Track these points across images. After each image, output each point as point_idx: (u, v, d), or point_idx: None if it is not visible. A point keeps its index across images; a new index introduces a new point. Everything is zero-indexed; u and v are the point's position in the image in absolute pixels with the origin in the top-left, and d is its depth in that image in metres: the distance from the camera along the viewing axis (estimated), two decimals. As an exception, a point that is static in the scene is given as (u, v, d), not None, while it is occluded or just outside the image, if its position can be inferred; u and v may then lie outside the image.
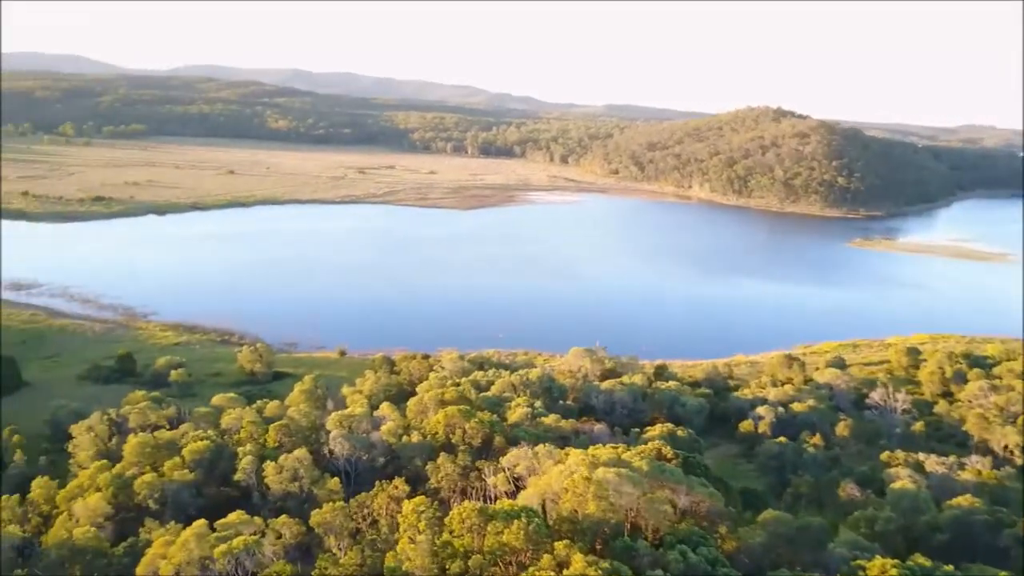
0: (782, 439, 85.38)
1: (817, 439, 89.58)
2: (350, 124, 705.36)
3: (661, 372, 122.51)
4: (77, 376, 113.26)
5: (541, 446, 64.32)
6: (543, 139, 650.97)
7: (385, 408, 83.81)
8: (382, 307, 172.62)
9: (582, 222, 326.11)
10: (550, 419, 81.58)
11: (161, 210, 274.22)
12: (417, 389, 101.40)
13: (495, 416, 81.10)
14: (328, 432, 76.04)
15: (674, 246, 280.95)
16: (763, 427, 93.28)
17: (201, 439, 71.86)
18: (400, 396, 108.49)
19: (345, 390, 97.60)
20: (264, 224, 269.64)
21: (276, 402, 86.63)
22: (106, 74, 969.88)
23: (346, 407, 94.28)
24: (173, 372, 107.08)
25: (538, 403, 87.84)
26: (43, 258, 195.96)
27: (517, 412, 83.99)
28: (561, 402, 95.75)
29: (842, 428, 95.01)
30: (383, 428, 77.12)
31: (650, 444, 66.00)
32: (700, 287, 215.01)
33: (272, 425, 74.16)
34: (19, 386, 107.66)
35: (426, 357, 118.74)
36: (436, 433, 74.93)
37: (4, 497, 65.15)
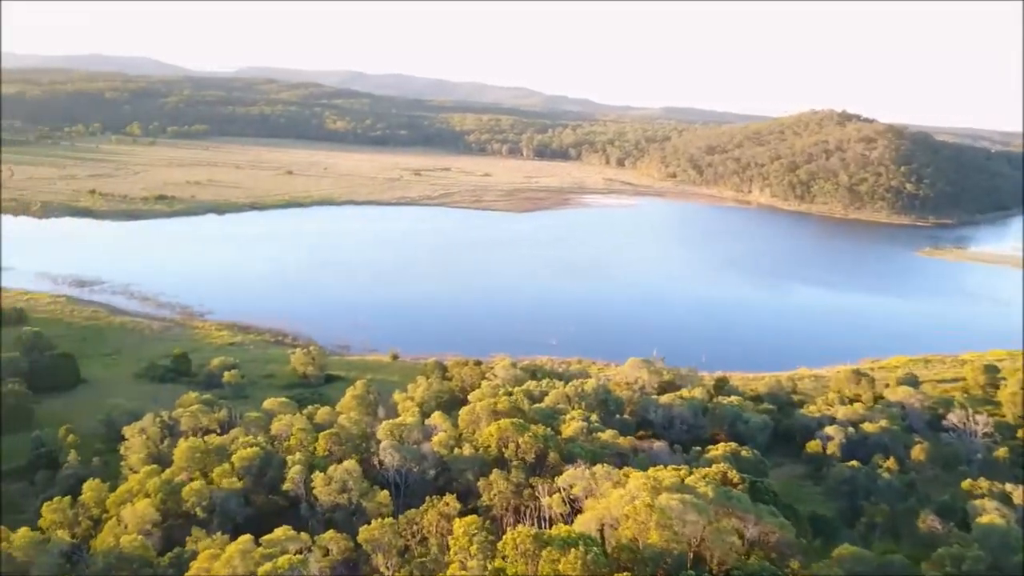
0: (855, 463, 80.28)
1: (891, 463, 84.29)
2: (406, 126, 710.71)
3: (721, 386, 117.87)
4: (134, 374, 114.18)
5: (599, 467, 61.21)
6: (599, 141, 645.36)
7: (437, 418, 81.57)
8: (435, 310, 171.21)
9: (639, 227, 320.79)
10: (607, 435, 78.26)
11: (220, 209, 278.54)
12: (469, 397, 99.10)
13: (549, 430, 78.23)
14: (379, 441, 74.22)
15: (735, 253, 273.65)
16: (832, 448, 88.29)
17: (251, 445, 70.66)
18: (452, 403, 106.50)
19: (397, 396, 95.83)
20: (320, 225, 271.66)
21: (327, 408, 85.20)
22: (172, 76, 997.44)
23: (397, 414, 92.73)
24: (226, 373, 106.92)
25: (594, 417, 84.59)
26: (106, 256, 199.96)
27: (572, 426, 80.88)
28: (618, 416, 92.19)
29: (918, 452, 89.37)
30: (434, 439, 74.90)
31: (715, 467, 62.26)
32: (762, 296, 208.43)
33: (322, 433, 72.60)
34: (77, 383, 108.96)
35: (478, 364, 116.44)
36: (489, 446, 72.42)
37: (56, 499, 64.84)
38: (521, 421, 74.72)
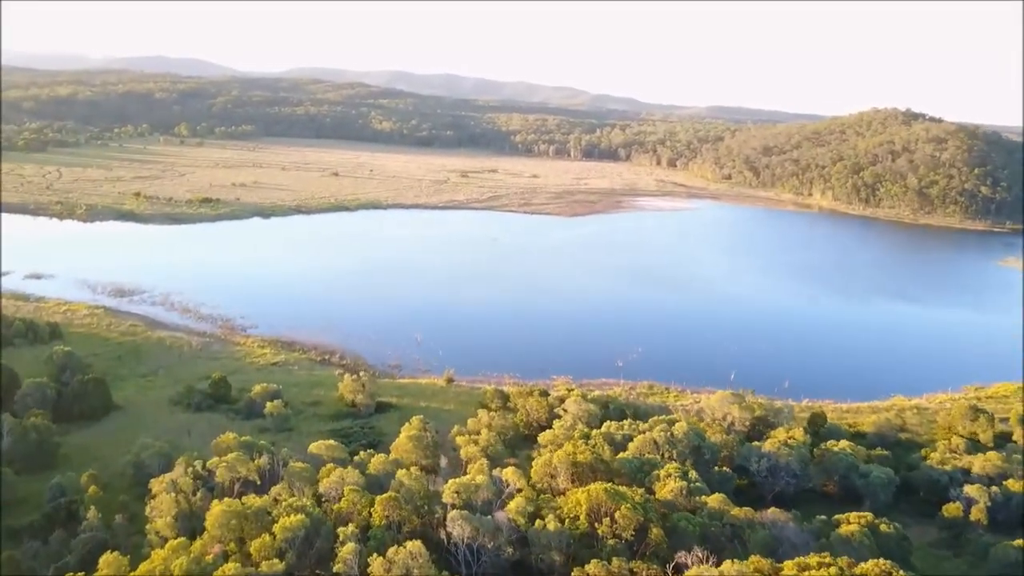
0: (1019, 542, 66.08)
1: (1051, 535, 70.02)
2: (452, 126, 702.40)
3: (819, 422, 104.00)
4: (170, 399, 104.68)
5: (729, 564, 48.60)
6: (649, 142, 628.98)
7: (509, 474, 69.76)
8: (489, 323, 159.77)
9: (697, 232, 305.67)
10: (713, 500, 65.62)
11: (265, 213, 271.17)
12: (540, 439, 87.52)
13: (645, 492, 66.04)
14: (444, 505, 62.90)
15: (803, 261, 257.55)
16: (976, 513, 74.30)
17: (295, 510, 59.68)
18: (518, 441, 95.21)
19: (459, 439, 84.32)
20: (367, 229, 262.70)
21: (381, 457, 73.92)
22: (220, 76, 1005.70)
23: (459, 459, 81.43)
24: (268, 404, 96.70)
25: (692, 473, 71.85)
26: (148, 262, 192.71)
27: (668, 486, 68.45)
28: (715, 468, 79.32)
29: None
30: (510, 506, 63.15)
31: (872, 565, 49.15)
32: (839, 310, 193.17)
33: (379, 499, 61.28)
34: (109, 410, 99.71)
35: (544, 394, 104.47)
36: (577, 517, 60.42)
37: None
38: (614, 487, 62.58)
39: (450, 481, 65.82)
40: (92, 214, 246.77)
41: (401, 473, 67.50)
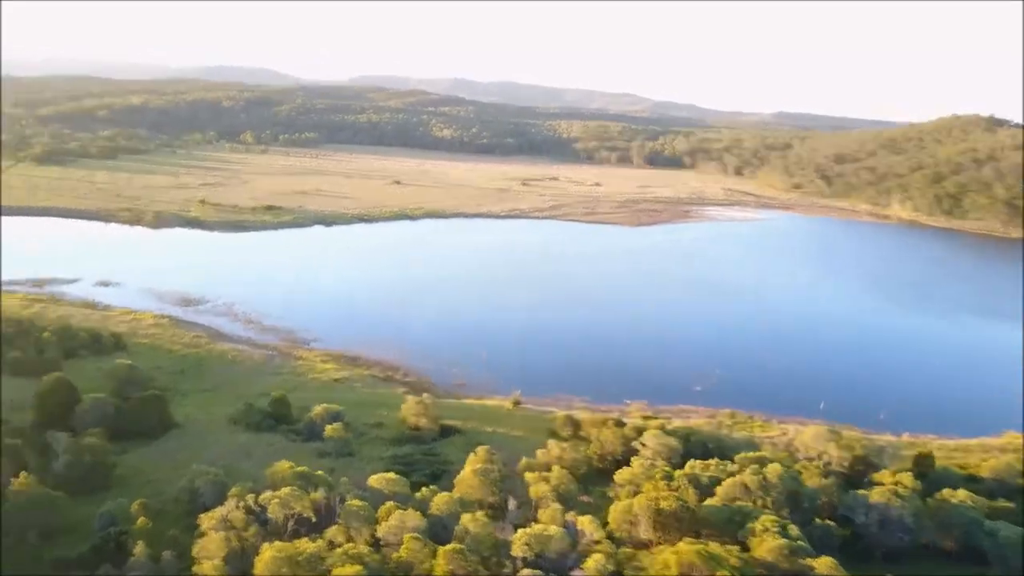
0: None
1: None
2: (513, 133, 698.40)
3: (926, 463, 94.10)
4: (229, 418, 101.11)
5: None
6: (714, 149, 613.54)
7: (586, 523, 63.14)
8: (557, 339, 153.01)
9: (770, 243, 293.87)
10: (822, 565, 57.70)
11: (328, 221, 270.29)
12: (617, 478, 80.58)
13: (741, 551, 58.64)
14: (513, 558, 56.71)
15: (885, 274, 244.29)
16: None
17: (351, 558, 54.26)
18: (591, 476, 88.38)
19: (528, 475, 77.84)
20: (431, 238, 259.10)
21: (444, 496, 67.96)
22: (286, 85, 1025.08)
23: (528, 497, 75.06)
24: (328, 427, 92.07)
25: (792, 528, 64.02)
26: (213, 270, 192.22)
27: (767, 543, 60.78)
28: (817, 520, 71.07)
29: None
30: (588, 563, 56.60)
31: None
32: (928, 328, 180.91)
33: (442, 550, 55.39)
34: (168, 428, 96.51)
35: (620, 424, 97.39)
36: (668, 581, 53.51)
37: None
38: (707, 549, 55.37)
39: (520, 532, 59.56)
40: (159, 221, 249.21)
41: (466, 518, 61.52)
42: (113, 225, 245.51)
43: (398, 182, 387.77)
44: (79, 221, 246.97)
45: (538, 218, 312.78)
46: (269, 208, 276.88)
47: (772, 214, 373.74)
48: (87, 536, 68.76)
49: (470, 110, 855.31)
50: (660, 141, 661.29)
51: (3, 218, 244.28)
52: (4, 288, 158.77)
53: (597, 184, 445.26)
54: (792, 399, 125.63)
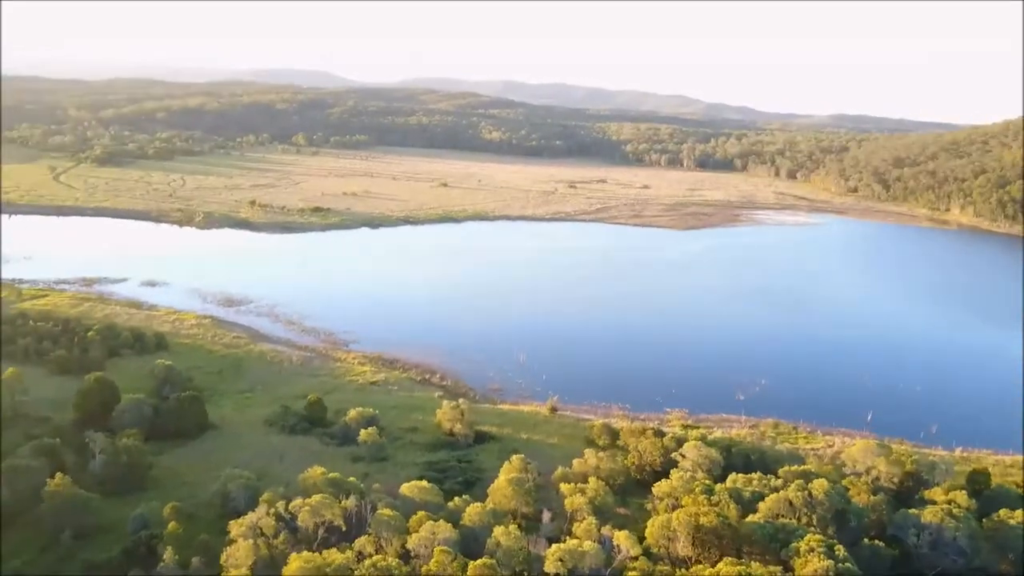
0: None
1: None
2: (562, 136, 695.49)
3: (981, 480, 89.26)
4: (265, 420, 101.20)
5: None
6: (767, 152, 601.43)
7: (622, 539, 60.75)
8: (595, 345, 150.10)
9: (823, 249, 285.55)
10: (871, 589, 54.46)
11: (374, 223, 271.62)
12: (655, 489, 77.94)
13: (784, 572, 55.61)
14: (546, 574, 54.63)
15: (943, 282, 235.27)
16: None
17: (379, 571, 52.88)
18: (629, 486, 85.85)
19: (564, 487, 75.65)
20: (474, 242, 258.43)
21: (476, 507, 66.22)
22: (339, 87, 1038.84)
23: (563, 509, 72.91)
24: (363, 432, 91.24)
25: (839, 549, 60.64)
26: (258, 272, 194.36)
27: (812, 564, 57.60)
28: (865, 540, 67.44)
29: None
30: (624, 581, 54.25)
31: None
32: (987, 340, 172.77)
33: (472, 565, 53.66)
34: (205, 429, 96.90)
35: (659, 434, 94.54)
36: (704, 604, 50.87)
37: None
38: (749, 570, 52.61)
39: (553, 547, 57.46)
40: (209, 222, 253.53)
41: (498, 531, 59.69)
42: (164, 225, 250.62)
43: (445, 184, 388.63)
44: (132, 221, 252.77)
45: (584, 221, 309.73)
46: (316, 210, 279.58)
47: (825, 218, 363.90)
48: (121, 538, 69.06)
49: (520, 112, 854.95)
50: (711, 144, 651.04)
51: (59, 218, 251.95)
52: (55, 287, 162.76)
53: (645, 187, 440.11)
54: (839, 410, 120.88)
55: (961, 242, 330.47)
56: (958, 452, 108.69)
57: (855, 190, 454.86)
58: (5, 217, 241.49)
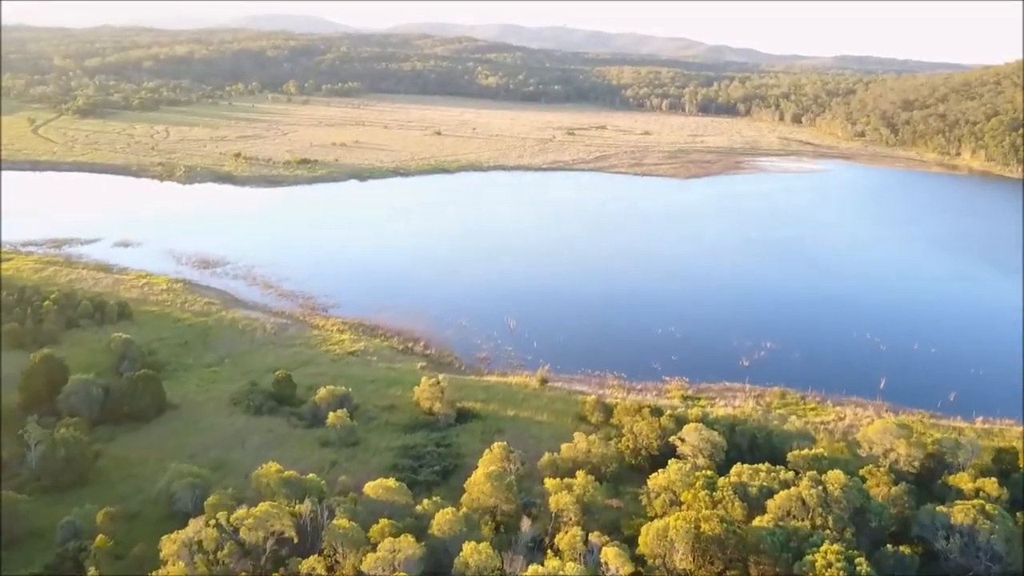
0: None
1: None
2: (560, 80, 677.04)
3: (1008, 460, 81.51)
4: (230, 398, 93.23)
5: None
6: (771, 95, 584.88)
7: (611, 556, 52.96)
8: (591, 307, 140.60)
9: (829, 196, 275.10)
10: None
11: (363, 175, 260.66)
12: (651, 482, 70.17)
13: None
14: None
15: (958, 231, 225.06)
16: None
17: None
18: (624, 474, 78.38)
19: (549, 483, 67.79)
20: (467, 194, 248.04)
21: (446, 513, 58.23)
22: (331, 33, 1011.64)
23: (548, 510, 65.22)
24: (331, 415, 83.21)
25: (862, 564, 52.96)
26: (238, 229, 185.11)
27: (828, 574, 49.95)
28: (889, 548, 59.67)
29: None
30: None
31: None
32: (1011, 294, 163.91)
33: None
34: (163, 410, 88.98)
35: (656, 412, 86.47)
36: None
37: None
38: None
39: (531, 570, 49.71)
40: (191, 176, 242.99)
41: (468, 549, 51.89)
42: (144, 180, 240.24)
43: (438, 133, 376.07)
44: (111, 176, 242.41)
45: (582, 170, 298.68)
46: (303, 162, 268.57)
47: (831, 164, 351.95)
48: (50, 547, 61.55)
49: (518, 57, 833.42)
50: (714, 87, 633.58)
51: (32, 174, 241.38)
52: (21, 251, 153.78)
53: (646, 133, 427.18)
54: (849, 375, 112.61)
55: (973, 187, 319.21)
56: (979, 423, 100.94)
57: (862, 134, 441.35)
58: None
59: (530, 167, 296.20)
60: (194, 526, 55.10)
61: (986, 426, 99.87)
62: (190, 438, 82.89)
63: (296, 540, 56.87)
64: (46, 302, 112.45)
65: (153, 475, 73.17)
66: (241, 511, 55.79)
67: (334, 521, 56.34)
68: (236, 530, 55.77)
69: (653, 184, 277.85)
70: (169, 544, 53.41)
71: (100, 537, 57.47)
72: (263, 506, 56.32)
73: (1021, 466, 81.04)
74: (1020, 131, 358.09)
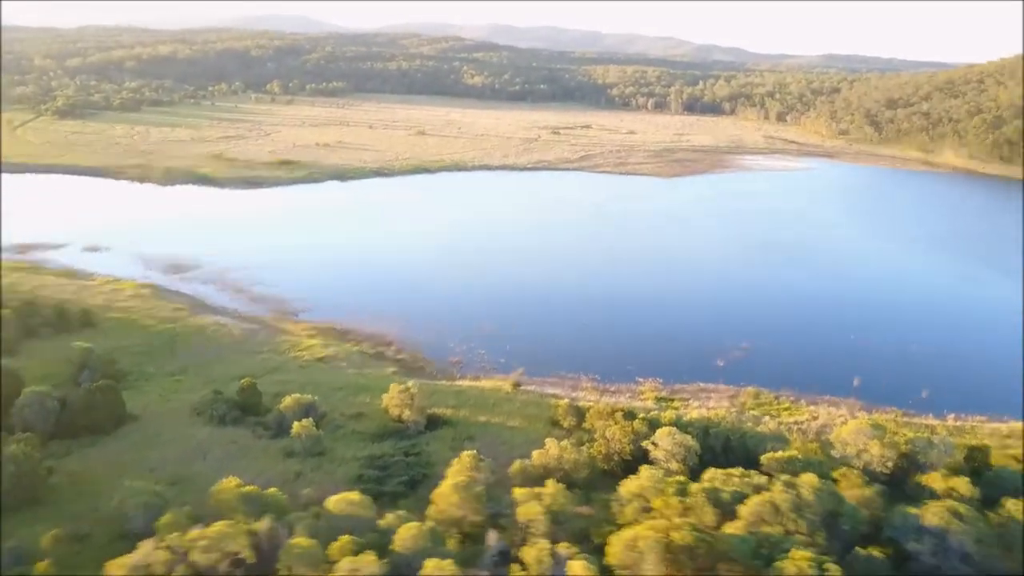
0: None
1: None
2: (547, 80, 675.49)
3: (980, 458, 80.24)
4: (193, 408, 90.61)
5: None
6: (757, 94, 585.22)
7: (578, 568, 51.05)
8: (565, 309, 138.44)
9: (812, 195, 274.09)
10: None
11: (343, 176, 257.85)
12: (623, 489, 68.24)
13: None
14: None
15: (942, 230, 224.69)
16: None
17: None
18: (596, 480, 76.51)
19: (517, 491, 65.77)
20: (448, 195, 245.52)
21: (412, 528, 56.05)
22: (316, 32, 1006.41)
23: (517, 521, 63.22)
24: (296, 424, 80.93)
25: (828, 565, 51.34)
26: (212, 233, 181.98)
27: (798, 594, 48.23)
28: (860, 551, 58.09)
29: None
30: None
31: None
32: (992, 291, 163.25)
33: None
34: (122, 422, 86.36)
35: (628, 415, 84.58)
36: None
37: None
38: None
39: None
40: (169, 177, 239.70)
41: (430, 565, 49.83)
42: (122, 183, 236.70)
43: (423, 133, 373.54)
44: (86, 179, 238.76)
45: (566, 170, 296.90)
46: (283, 163, 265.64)
47: (815, 163, 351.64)
48: (-6, 570, 59.11)
49: (504, 56, 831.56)
50: (700, 86, 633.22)
51: (4, 176, 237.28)
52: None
53: (631, 132, 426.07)
54: (824, 374, 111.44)
55: (954, 185, 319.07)
56: (950, 420, 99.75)
57: (846, 132, 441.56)
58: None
59: (514, 167, 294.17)
60: (144, 549, 52.70)
61: (958, 423, 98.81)
62: (149, 451, 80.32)
63: (253, 560, 54.58)
64: (5, 311, 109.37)
65: (108, 492, 70.31)
66: (195, 532, 53.43)
67: (292, 540, 54.11)
68: (187, 552, 53.45)
69: (636, 183, 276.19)
70: (115, 569, 51.00)
71: (40, 564, 54.86)
72: (218, 526, 54.03)
73: (992, 464, 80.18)
74: (1002, 129, 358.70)
